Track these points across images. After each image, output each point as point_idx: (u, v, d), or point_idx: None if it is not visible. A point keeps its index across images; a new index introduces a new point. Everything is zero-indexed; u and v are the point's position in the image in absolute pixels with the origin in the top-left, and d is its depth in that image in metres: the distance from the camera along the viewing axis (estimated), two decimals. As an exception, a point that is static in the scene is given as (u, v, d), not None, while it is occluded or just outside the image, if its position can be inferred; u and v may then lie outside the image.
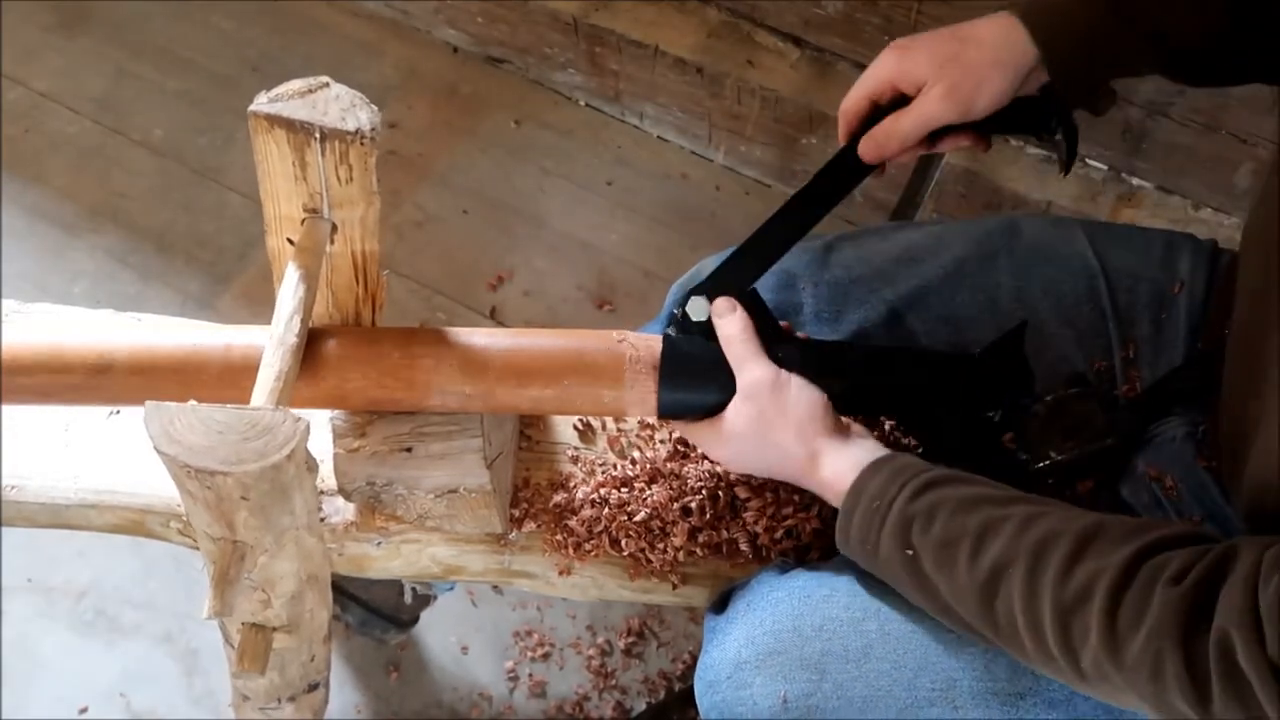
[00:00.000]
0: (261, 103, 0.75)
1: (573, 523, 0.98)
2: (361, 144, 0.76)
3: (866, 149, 0.91)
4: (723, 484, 0.97)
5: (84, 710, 1.46)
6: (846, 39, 1.75)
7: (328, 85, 0.77)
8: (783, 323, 0.98)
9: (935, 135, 0.92)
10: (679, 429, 0.94)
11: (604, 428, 1.04)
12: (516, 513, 0.99)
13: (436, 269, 1.85)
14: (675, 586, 0.99)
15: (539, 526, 0.99)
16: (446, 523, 0.96)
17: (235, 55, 2.09)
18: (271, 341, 0.78)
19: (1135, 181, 1.69)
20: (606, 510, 0.98)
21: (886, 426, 1.00)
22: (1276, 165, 0.79)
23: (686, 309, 0.90)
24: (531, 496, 1.00)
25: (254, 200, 0.81)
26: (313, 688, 1.03)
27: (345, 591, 1.39)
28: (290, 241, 0.84)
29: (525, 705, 1.49)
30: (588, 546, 0.98)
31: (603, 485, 0.99)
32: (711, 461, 0.97)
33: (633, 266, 1.87)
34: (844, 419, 0.87)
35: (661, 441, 1.02)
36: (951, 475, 0.79)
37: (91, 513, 1.01)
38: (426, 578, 1.04)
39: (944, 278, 1.00)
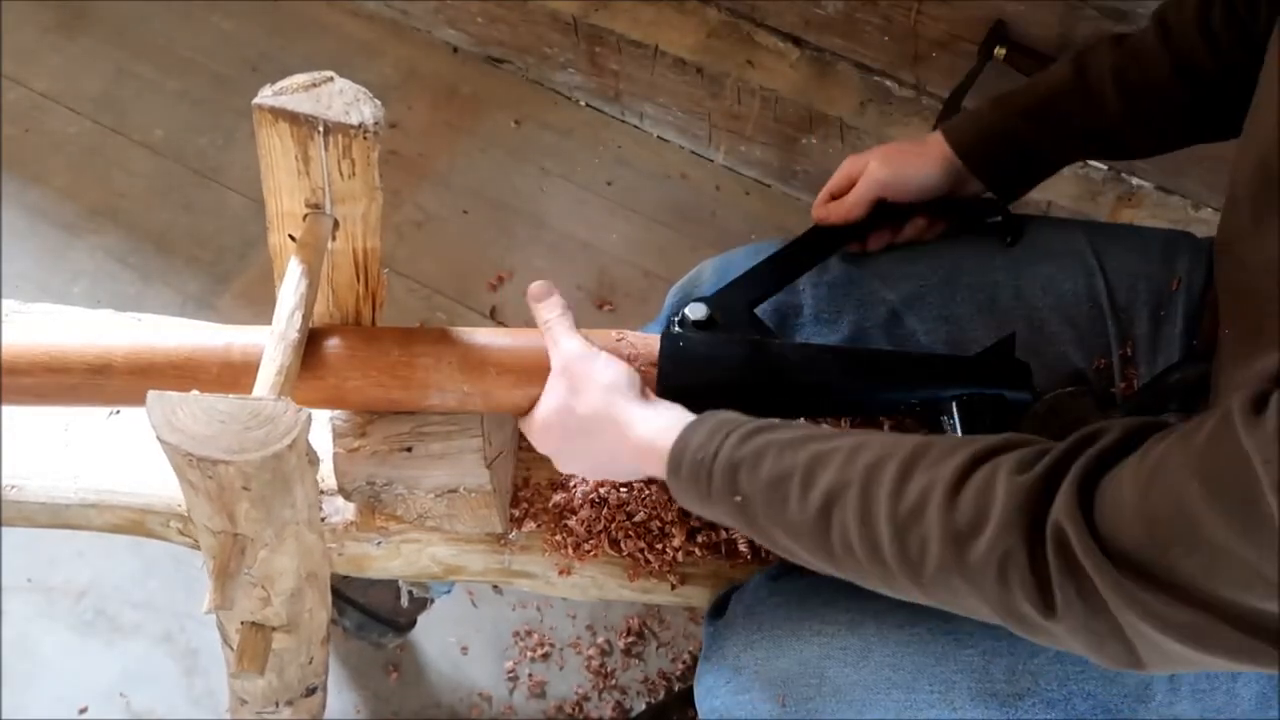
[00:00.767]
0: (266, 96, 0.75)
1: (572, 523, 0.98)
2: (365, 138, 0.76)
3: (819, 212, 1.04)
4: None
5: (84, 710, 1.46)
6: (846, 39, 1.75)
7: (332, 79, 0.77)
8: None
9: (898, 218, 1.03)
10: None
11: (604, 427, 1.04)
12: (516, 513, 0.99)
13: (436, 269, 1.85)
14: (674, 587, 0.99)
15: (539, 526, 0.99)
16: (446, 522, 0.96)
17: (235, 55, 2.09)
18: (273, 336, 0.78)
19: (1135, 181, 1.69)
20: (605, 510, 0.98)
21: (885, 427, 1.00)
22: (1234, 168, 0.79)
23: (686, 311, 0.90)
24: (531, 496, 1.00)
25: (254, 200, 0.81)
26: (310, 691, 1.03)
27: (342, 595, 1.38)
28: (292, 238, 0.84)
29: (525, 705, 1.48)
30: (587, 547, 0.98)
31: (601, 485, 0.99)
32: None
33: (633, 266, 1.87)
34: (653, 396, 0.85)
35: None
36: (775, 422, 0.78)
37: (91, 512, 1.01)
38: (426, 577, 1.04)
39: (943, 277, 1.01)
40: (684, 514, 0.97)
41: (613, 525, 0.97)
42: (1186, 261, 0.98)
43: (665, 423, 0.80)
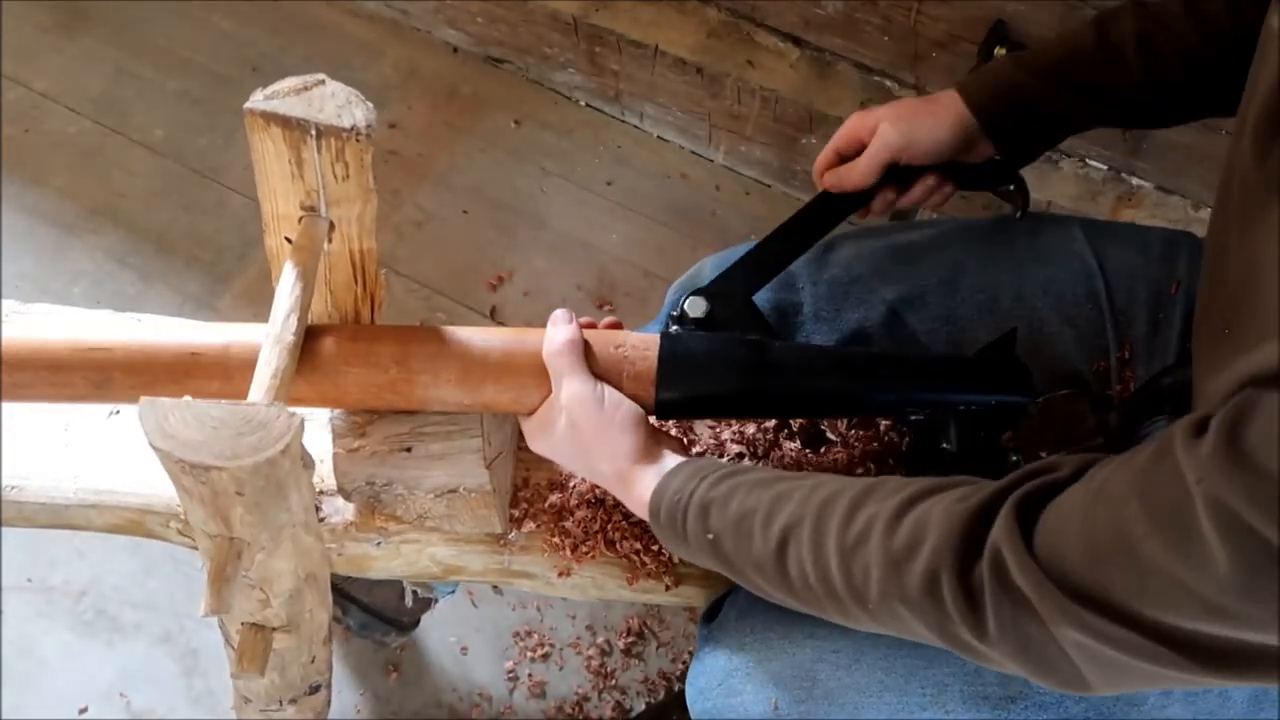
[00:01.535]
0: (257, 100, 0.75)
1: (569, 524, 0.98)
2: (357, 141, 0.76)
3: (829, 180, 1.01)
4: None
5: (84, 710, 1.46)
6: (846, 39, 1.75)
7: (323, 82, 0.76)
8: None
9: (905, 179, 1.00)
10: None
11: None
12: (516, 513, 0.99)
13: (436, 269, 1.85)
14: (669, 588, 0.99)
15: (539, 526, 0.99)
16: (446, 523, 0.96)
17: (235, 55, 2.09)
18: (268, 339, 0.78)
19: (1135, 181, 1.69)
20: (602, 511, 0.98)
21: (882, 427, 1.00)
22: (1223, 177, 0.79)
23: (685, 307, 0.90)
24: (531, 496, 1.00)
25: (254, 200, 0.81)
26: (314, 690, 1.03)
27: (346, 594, 1.38)
28: (288, 240, 0.84)
29: (525, 705, 1.48)
30: (584, 548, 0.98)
31: (598, 486, 0.99)
32: None
33: (633, 266, 1.86)
34: (663, 435, 0.88)
35: (660, 441, 1.02)
36: (748, 466, 0.82)
37: (91, 512, 1.01)
38: (426, 578, 1.04)
39: (943, 277, 1.00)
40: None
41: (609, 526, 0.97)
42: (1186, 263, 0.98)
43: (653, 479, 0.83)
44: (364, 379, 0.85)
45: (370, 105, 0.77)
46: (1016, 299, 0.99)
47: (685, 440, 1.00)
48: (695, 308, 0.90)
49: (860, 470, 0.98)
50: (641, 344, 0.88)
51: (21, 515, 1.02)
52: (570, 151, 1.99)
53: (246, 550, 0.74)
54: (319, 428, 0.96)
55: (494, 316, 1.80)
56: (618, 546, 0.97)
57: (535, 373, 0.86)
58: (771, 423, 1.01)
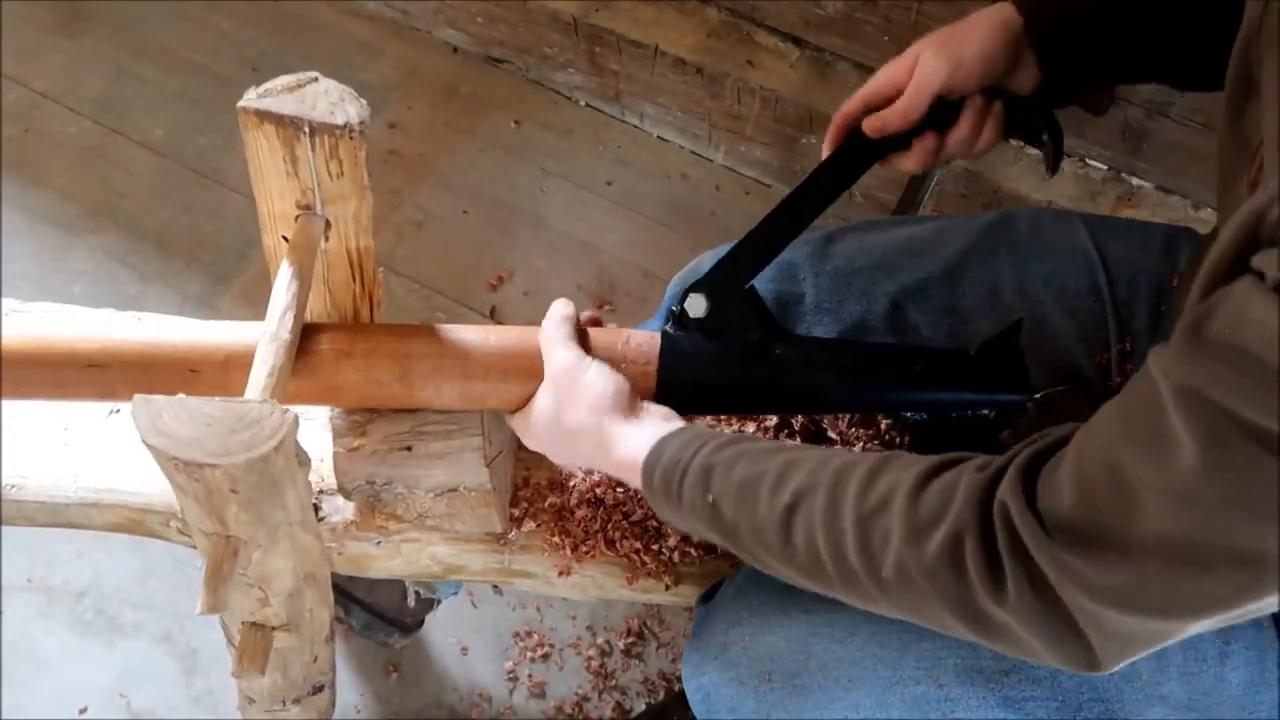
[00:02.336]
0: (250, 98, 0.75)
1: (569, 524, 0.98)
2: (351, 138, 0.76)
3: (870, 125, 0.94)
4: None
5: (84, 710, 1.46)
6: (846, 39, 1.75)
7: (316, 80, 0.76)
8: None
9: (948, 118, 0.93)
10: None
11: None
12: (516, 512, 0.99)
13: (436, 269, 1.85)
14: (668, 587, 0.99)
15: (539, 526, 0.99)
16: (446, 522, 0.96)
17: (235, 55, 2.09)
18: (265, 337, 0.78)
19: (1135, 181, 1.69)
20: (602, 510, 0.98)
21: (883, 425, 1.00)
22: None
23: (685, 305, 0.90)
24: (531, 496, 1.00)
25: (254, 200, 0.81)
26: (317, 690, 1.03)
27: (349, 594, 1.38)
28: (285, 239, 0.83)
29: (525, 706, 1.48)
30: (584, 548, 0.98)
31: (599, 485, 0.99)
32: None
33: (633, 266, 1.86)
34: (642, 404, 0.85)
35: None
36: (755, 436, 0.80)
37: (92, 512, 1.01)
38: (426, 577, 1.04)
39: (946, 270, 1.00)
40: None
41: (609, 525, 0.97)
42: (1187, 257, 0.98)
43: (643, 439, 0.81)
44: (363, 377, 0.85)
45: (364, 102, 0.77)
46: (1018, 291, 0.99)
47: None
48: (695, 306, 0.89)
49: None
50: (642, 342, 0.88)
51: (21, 514, 1.02)
52: (570, 151, 1.99)
53: (243, 548, 0.74)
54: (319, 427, 0.96)
55: (494, 316, 1.80)
56: (618, 546, 0.97)
57: (535, 372, 0.86)
58: (772, 420, 1.01)
